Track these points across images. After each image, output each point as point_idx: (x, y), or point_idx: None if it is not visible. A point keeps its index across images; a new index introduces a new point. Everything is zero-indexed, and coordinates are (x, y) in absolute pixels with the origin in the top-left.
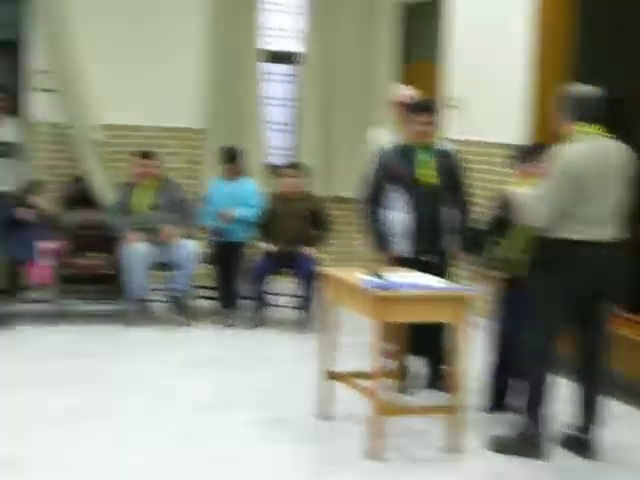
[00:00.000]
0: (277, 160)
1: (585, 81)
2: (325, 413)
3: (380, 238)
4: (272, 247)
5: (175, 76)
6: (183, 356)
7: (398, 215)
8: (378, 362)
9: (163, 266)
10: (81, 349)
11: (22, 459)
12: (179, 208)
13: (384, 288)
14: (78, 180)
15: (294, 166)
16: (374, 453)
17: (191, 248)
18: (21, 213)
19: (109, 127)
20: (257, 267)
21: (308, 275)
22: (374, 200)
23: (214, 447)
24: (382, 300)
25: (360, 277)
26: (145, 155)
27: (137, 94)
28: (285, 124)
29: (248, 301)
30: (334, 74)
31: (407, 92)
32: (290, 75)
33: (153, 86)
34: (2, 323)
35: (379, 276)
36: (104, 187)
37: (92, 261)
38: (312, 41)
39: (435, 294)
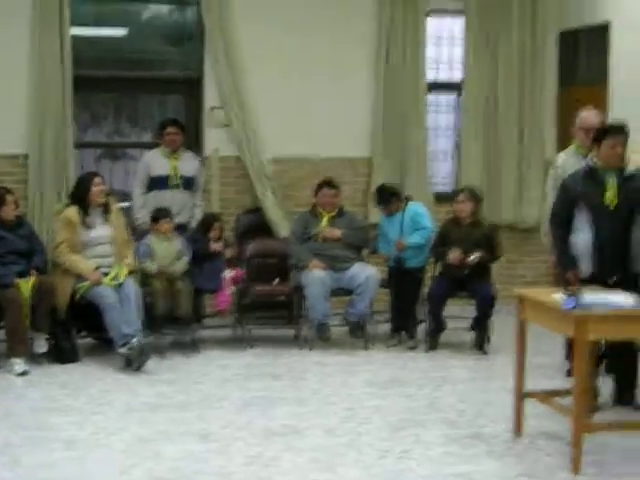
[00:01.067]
0: (440, 188)
1: None
2: (518, 430)
3: (567, 259)
4: (455, 255)
5: (344, 108)
6: (366, 377)
7: (584, 237)
8: (581, 380)
9: (343, 291)
10: (264, 371)
11: (235, 472)
12: (358, 235)
13: (585, 307)
14: (253, 211)
15: (466, 191)
16: (576, 468)
17: (371, 273)
18: (213, 245)
19: (281, 160)
20: (433, 290)
21: (485, 298)
22: (561, 222)
23: (419, 463)
24: (584, 319)
25: (558, 297)
26: (328, 184)
27: (307, 126)
28: (448, 153)
29: (423, 324)
30: (495, 102)
31: (595, 116)
32: (452, 105)
33: (323, 118)
34: (189, 348)
35: (576, 296)
36: (278, 217)
37: (271, 288)
38: (472, 70)
39: (637, 312)
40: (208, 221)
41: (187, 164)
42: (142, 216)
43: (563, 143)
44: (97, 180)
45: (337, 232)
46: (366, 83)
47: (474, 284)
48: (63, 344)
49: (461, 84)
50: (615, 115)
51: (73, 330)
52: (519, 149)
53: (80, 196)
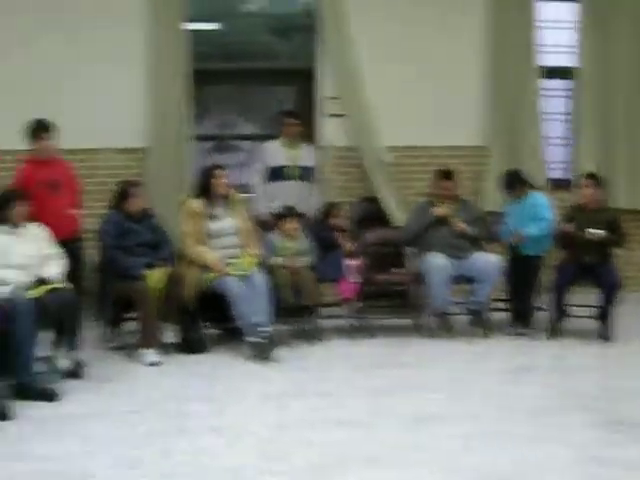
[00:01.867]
0: (556, 174)
1: None
2: None
3: None
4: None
5: (456, 95)
6: (494, 365)
7: None
8: None
9: (463, 279)
10: (392, 360)
11: (383, 458)
12: (479, 224)
13: None
14: (369, 200)
15: (590, 177)
16: None
17: (493, 261)
18: (336, 235)
19: (395, 148)
20: (557, 279)
21: (611, 286)
22: None
23: (564, 448)
24: None
25: None
26: (446, 175)
27: (420, 115)
28: (562, 138)
29: (542, 312)
30: (610, 86)
31: None
32: (566, 90)
33: (435, 106)
34: (312, 337)
35: None
36: (394, 206)
37: (390, 277)
38: (587, 55)
39: None
40: (329, 210)
41: (305, 154)
42: (262, 207)
43: None
44: (220, 172)
45: (464, 227)
46: (477, 71)
47: (599, 270)
48: (191, 335)
49: (575, 69)
50: None
51: (200, 321)
52: (635, 134)
53: (204, 188)
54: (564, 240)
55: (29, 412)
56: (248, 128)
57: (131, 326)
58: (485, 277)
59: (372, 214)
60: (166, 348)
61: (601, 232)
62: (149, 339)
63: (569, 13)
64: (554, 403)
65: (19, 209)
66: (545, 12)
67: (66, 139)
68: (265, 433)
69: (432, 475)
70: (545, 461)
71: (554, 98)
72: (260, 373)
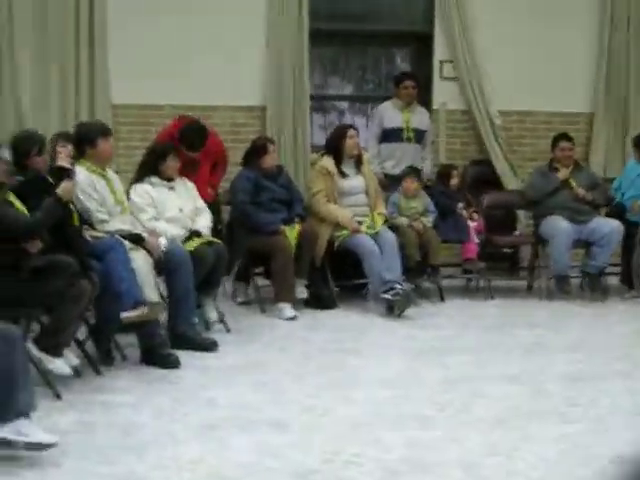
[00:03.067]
0: None
1: None
2: None
3: None
4: None
5: (565, 62)
6: (622, 329)
7: None
8: None
9: (581, 243)
10: (520, 321)
11: (550, 411)
12: (602, 195)
13: None
14: (480, 163)
15: None
16: None
17: (615, 226)
18: (456, 197)
19: (504, 113)
20: None
21: None
22: None
23: None
24: None
25: None
26: (568, 139)
27: (529, 81)
28: None
29: None
30: None
31: None
32: None
33: (545, 73)
34: (435, 296)
35: None
36: (505, 169)
37: (511, 239)
38: None
39: None
40: (447, 172)
41: (419, 117)
42: (375, 167)
43: None
44: (352, 132)
45: (585, 192)
46: (590, 39)
47: None
48: (321, 291)
49: None
50: None
51: (330, 277)
52: None
53: (335, 147)
54: None
55: (193, 362)
56: (366, 89)
57: (258, 282)
58: (606, 242)
59: (483, 176)
60: (296, 304)
61: None
62: (286, 294)
63: None
64: None
65: (173, 163)
66: None
67: (186, 96)
68: (432, 384)
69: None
70: None
71: None
72: (398, 329)
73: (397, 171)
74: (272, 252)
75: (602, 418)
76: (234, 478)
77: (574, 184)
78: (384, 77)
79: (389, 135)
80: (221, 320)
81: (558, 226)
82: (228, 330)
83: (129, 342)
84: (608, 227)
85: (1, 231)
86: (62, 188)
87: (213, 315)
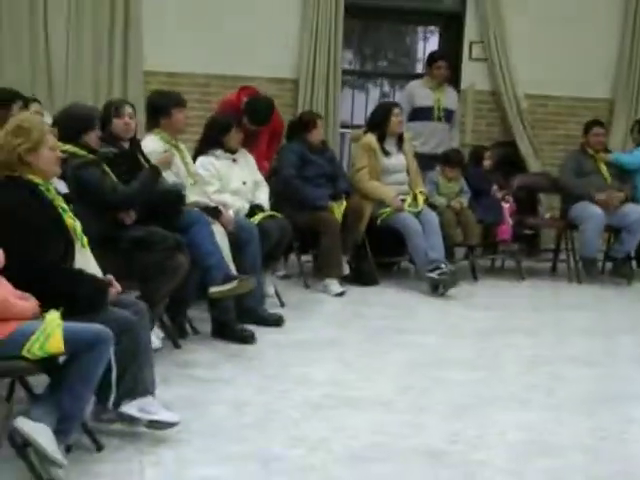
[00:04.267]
0: None
1: None
2: None
3: None
4: None
5: (588, 49)
6: None
7: None
8: None
9: (610, 228)
10: (551, 301)
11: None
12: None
13: None
14: (505, 145)
15: None
16: None
17: None
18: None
19: (529, 96)
20: None
21: None
22: None
23: None
24: None
25: None
26: (599, 124)
27: (553, 65)
28: None
29: None
30: None
31: None
32: None
33: (569, 58)
34: (470, 277)
35: None
36: (530, 152)
37: (543, 221)
38: None
39: None
40: (479, 153)
41: (449, 97)
42: None
43: None
44: (397, 110)
45: (620, 197)
46: (610, 27)
47: None
48: (364, 267)
49: None
50: None
51: (371, 254)
52: None
53: (379, 124)
54: None
55: (262, 337)
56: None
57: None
58: (636, 228)
59: (507, 157)
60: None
61: None
62: (333, 269)
63: None
64: None
65: (237, 135)
66: None
67: (221, 66)
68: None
69: None
70: None
71: None
72: (448, 308)
73: (426, 149)
74: (320, 228)
75: None
76: (372, 458)
77: (605, 170)
78: (414, 56)
79: (420, 114)
80: (277, 294)
81: (590, 211)
82: (282, 305)
83: (196, 316)
84: (637, 214)
85: (99, 201)
86: (160, 159)
87: (270, 290)
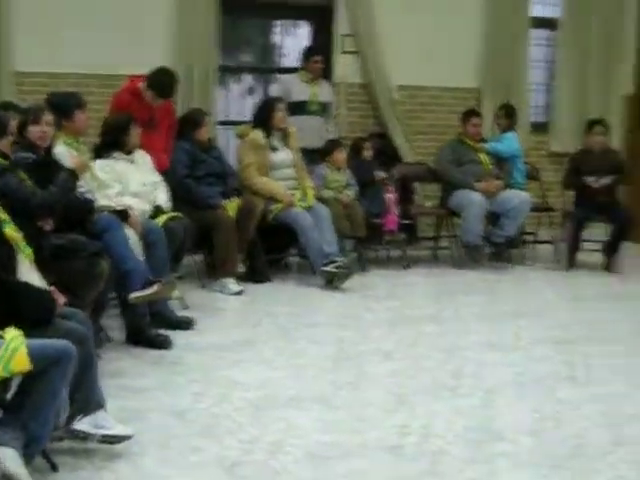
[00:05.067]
0: (535, 117)
1: None
2: None
3: None
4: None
5: (455, 40)
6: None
7: None
8: None
9: (490, 214)
10: (450, 288)
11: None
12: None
13: None
14: (377, 136)
15: (601, 123)
16: None
17: (524, 198)
18: (377, 175)
19: (403, 87)
20: (574, 214)
21: (620, 221)
22: None
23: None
24: None
25: None
26: (476, 114)
27: (421, 57)
28: (541, 84)
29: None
30: (587, 39)
31: None
32: (549, 39)
33: (436, 50)
34: (363, 268)
35: None
36: (402, 142)
37: (426, 210)
38: (569, 7)
39: None
40: (358, 145)
41: (324, 90)
42: None
43: None
44: (280, 105)
45: (500, 184)
46: (475, 19)
47: (610, 208)
48: (257, 264)
49: (557, 20)
50: None
51: (262, 251)
52: (605, 85)
53: (264, 119)
54: (577, 186)
55: (175, 341)
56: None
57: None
58: (516, 213)
59: (385, 149)
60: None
61: (607, 180)
62: (230, 268)
63: None
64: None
65: (136, 133)
66: None
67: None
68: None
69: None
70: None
71: (538, 47)
72: (342, 300)
73: (304, 144)
74: (214, 226)
75: None
76: (332, 456)
77: (484, 158)
78: (286, 50)
79: (296, 108)
80: (181, 297)
81: (471, 198)
82: (186, 307)
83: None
84: (518, 199)
85: (20, 207)
86: (76, 162)
87: (176, 292)
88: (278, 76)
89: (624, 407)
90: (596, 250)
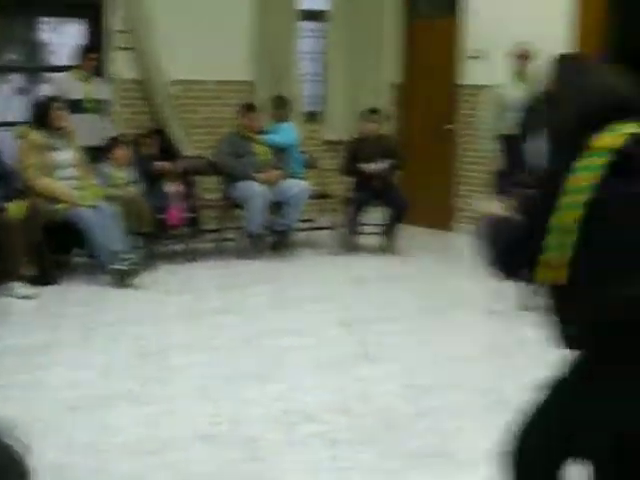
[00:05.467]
0: (308, 107)
1: None
2: None
3: None
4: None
5: (227, 35)
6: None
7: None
8: None
9: (275, 204)
10: (233, 281)
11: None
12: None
13: None
14: (156, 132)
15: (375, 112)
16: None
17: (303, 186)
18: (158, 166)
19: (179, 82)
20: (353, 199)
21: (397, 205)
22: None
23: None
24: None
25: None
26: (253, 109)
27: (198, 51)
28: (313, 75)
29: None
30: (355, 30)
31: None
32: (318, 31)
33: (210, 45)
34: (153, 263)
35: None
36: (181, 137)
37: (210, 202)
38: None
39: None
40: (138, 141)
41: (99, 88)
42: None
43: None
44: (57, 104)
45: (280, 174)
46: (245, 15)
47: (386, 193)
48: (44, 266)
49: (327, 12)
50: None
51: (49, 252)
52: (374, 75)
53: (42, 120)
54: (355, 172)
55: None
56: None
57: None
58: (296, 201)
59: (165, 144)
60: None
61: (382, 165)
62: (18, 272)
63: None
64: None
65: None
66: None
67: None
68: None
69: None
70: None
71: (308, 38)
72: (140, 297)
73: (83, 142)
74: None
75: None
76: (152, 451)
77: (262, 150)
78: (55, 48)
79: (72, 107)
80: None
81: (252, 189)
82: None
83: None
84: (297, 188)
85: None
86: None
87: None
88: (50, 75)
89: (420, 380)
90: (375, 233)
